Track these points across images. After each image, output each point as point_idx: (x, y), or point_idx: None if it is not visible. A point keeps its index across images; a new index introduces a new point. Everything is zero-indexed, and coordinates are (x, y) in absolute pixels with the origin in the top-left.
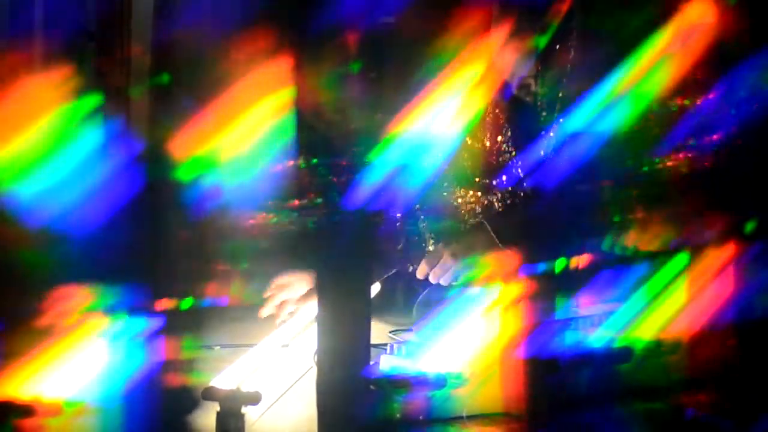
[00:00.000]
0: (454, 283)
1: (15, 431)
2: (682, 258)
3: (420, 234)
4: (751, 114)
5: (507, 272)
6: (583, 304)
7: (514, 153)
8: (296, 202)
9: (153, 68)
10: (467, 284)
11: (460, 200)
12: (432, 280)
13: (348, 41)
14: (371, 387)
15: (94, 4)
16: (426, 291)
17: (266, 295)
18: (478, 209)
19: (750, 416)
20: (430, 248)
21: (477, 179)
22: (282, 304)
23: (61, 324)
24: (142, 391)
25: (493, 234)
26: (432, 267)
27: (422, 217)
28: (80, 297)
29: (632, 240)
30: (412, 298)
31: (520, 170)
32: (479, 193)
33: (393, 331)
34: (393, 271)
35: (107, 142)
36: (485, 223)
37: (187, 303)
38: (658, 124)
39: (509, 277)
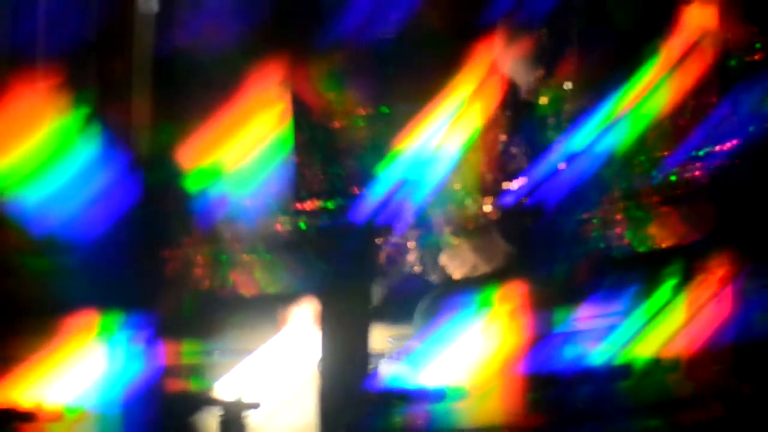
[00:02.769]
0: (469, 278)
1: None
2: (681, 276)
3: (430, 243)
4: (754, 131)
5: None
6: (584, 318)
7: (517, 166)
8: (300, 208)
9: (154, 76)
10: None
11: (465, 211)
12: (450, 271)
13: (350, 52)
14: (372, 397)
15: (96, 12)
16: (428, 300)
17: None
18: (483, 220)
19: None
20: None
21: (481, 192)
22: None
23: (62, 331)
24: (142, 396)
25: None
26: (452, 259)
27: (430, 227)
28: (81, 305)
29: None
30: (413, 306)
31: (523, 184)
32: (483, 205)
33: (393, 337)
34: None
35: (108, 149)
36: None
37: (187, 309)
38: (661, 139)
39: (508, 293)
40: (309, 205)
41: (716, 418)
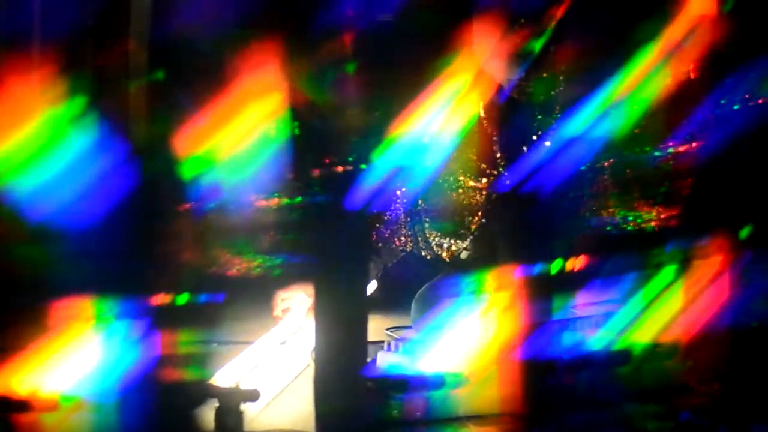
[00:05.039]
0: (466, 265)
1: (12, 426)
2: (678, 263)
3: (424, 232)
4: (748, 119)
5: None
6: (582, 306)
7: (509, 156)
8: (296, 196)
9: (150, 64)
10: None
11: (459, 200)
12: (447, 259)
13: (345, 40)
14: (369, 386)
15: None
16: (424, 288)
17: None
18: (477, 209)
19: (745, 421)
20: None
21: (472, 182)
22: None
23: (58, 319)
24: (138, 386)
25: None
26: (449, 247)
27: (425, 216)
28: (77, 293)
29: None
30: (409, 294)
31: (516, 173)
32: (476, 195)
33: (390, 328)
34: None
35: (104, 137)
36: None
37: (183, 298)
38: (654, 127)
39: (505, 280)
40: (304, 192)
41: (714, 404)
